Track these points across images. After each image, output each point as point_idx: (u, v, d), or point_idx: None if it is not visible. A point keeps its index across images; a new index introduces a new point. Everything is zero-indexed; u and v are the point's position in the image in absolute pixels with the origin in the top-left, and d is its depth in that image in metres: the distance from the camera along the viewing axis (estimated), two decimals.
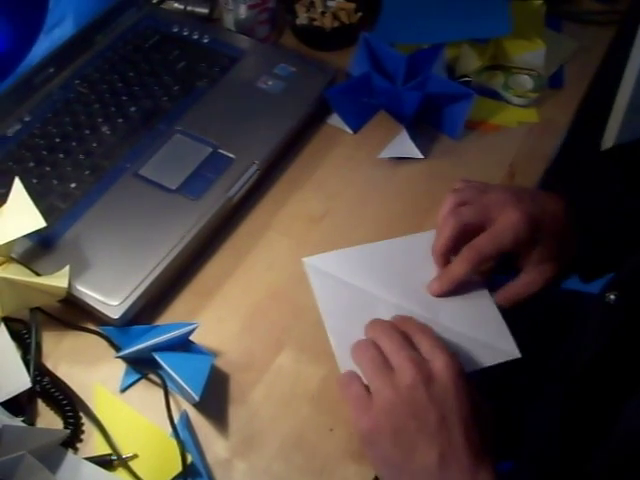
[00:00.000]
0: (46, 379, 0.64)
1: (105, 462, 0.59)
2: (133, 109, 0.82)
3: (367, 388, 0.58)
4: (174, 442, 0.60)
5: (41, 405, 0.64)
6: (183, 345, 0.63)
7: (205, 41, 0.91)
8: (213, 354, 0.65)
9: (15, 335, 0.65)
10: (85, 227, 0.72)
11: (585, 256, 0.69)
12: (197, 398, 0.60)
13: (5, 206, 0.68)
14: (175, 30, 0.92)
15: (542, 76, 0.90)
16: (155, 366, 0.63)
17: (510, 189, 0.69)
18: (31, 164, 0.77)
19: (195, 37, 0.91)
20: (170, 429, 0.60)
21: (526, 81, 0.89)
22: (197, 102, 0.83)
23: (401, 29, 0.92)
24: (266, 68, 0.87)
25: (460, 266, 0.65)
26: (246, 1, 0.90)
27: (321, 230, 0.76)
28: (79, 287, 0.67)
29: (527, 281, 0.68)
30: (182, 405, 0.64)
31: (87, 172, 0.76)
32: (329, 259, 0.70)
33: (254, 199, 0.79)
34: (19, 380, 0.62)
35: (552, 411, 0.66)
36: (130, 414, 0.63)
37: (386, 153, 0.83)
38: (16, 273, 0.65)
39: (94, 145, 0.79)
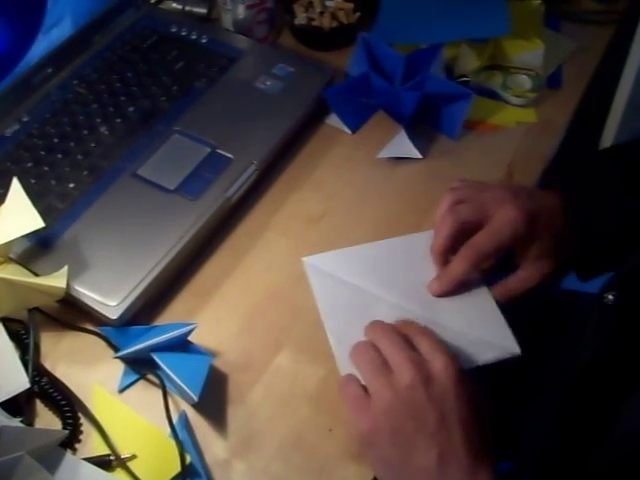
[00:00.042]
0: (44, 379, 0.64)
1: (104, 462, 0.59)
2: (131, 109, 0.82)
3: (366, 389, 0.57)
4: (173, 442, 0.60)
5: (39, 405, 0.64)
6: (181, 345, 0.63)
7: (203, 41, 0.91)
8: (212, 354, 0.64)
9: (13, 335, 0.65)
10: (83, 227, 0.72)
11: (582, 254, 0.69)
12: (196, 398, 0.60)
13: (3, 206, 0.68)
14: (173, 30, 0.92)
15: (540, 76, 0.90)
16: (154, 366, 0.63)
17: (507, 187, 0.69)
18: (29, 164, 0.77)
19: (193, 37, 0.91)
20: (169, 429, 0.60)
21: (524, 81, 0.89)
22: (195, 102, 0.83)
23: (399, 29, 0.92)
24: (264, 68, 0.87)
25: (460, 265, 0.65)
26: (244, 1, 0.90)
27: (320, 230, 0.76)
28: (77, 287, 0.67)
29: (524, 276, 0.68)
30: (181, 405, 0.64)
31: (85, 172, 0.76)
32: (328, 259, 0.70)
33: (252, 199, 0.79)
34: (17, 380, 0.62)
35: (551, 411, 0.66)
36: (129, 414, 0.63)
37: (385, 153, 0.83)
38: (14, 273, 0.65)
39: (92, 145, 0.79)
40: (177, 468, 0.58)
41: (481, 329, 0.65)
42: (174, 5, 0.98)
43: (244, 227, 0.77)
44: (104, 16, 0.90)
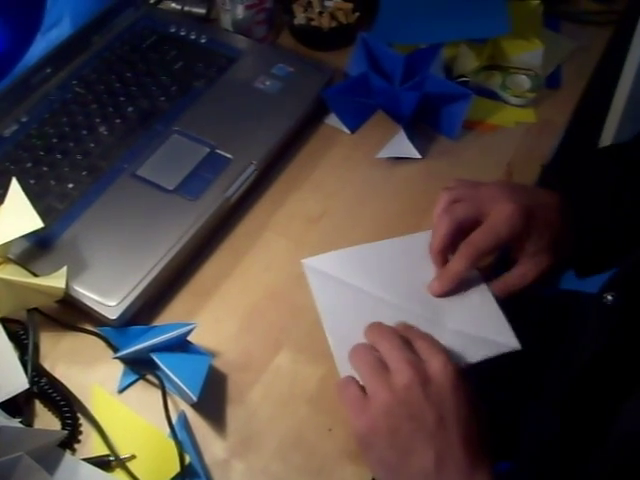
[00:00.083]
0: (44, 380, 0.63)
1: (103, 463, 0.59)
2: (130, 109, 0.82)
3: (365, 390, 0.57)
4: (172, 443, 0.59)
5: (39, 406, 0.64)
6: (181, 345, 0.63)
7: (202, 41, 0.91)
8: (211, 354, 0.64)
9: (13, 336, 0.65)
10: (83, 228, 0.72)
11: (580, 251, 0.69)
12: (195, 398, 0.60)
13: (2, 207, 0.68)
14: (172, 30, 0.92)
15: (540, 76, 0.90)
16: (153, 367, 0.63)
17: (502, 184, 0.70)
18: (28, 165, 0.77)
19: (192, 37, 0.91)
20: (168, 430, 0.60)
21: (524, 81, 0.89)
22: (194, 102, 0.83)
23: (399, 29, 0.92)
24: (264, 68, 0.87)
25: (459, 263, 0.65)
26: (243, 1, 0.90)
27: (319, 230, 0.76)
28: (77, 288, 0.67)
29: (522, 272, 0.68)
30: (180, 405, 0.64)
31: (84, 172, 0.76)
32: (327, 260, 0.70)
33: (252, 199, 0.79)
34: (17, 381, 0.62)
35: (551, 411, 0.66)
36: (128, 415, 0.63)
37: (384, 153, 0.83)
38: (13, 274, 0.65)
39: (91, 145, 0.79)
40: (176, 468, 0.58)
41: (481, 325, 0.65)
42: (173, 5, 0.98)
43: (243, 227, 0.77)
44: (103, 16, 0.90)
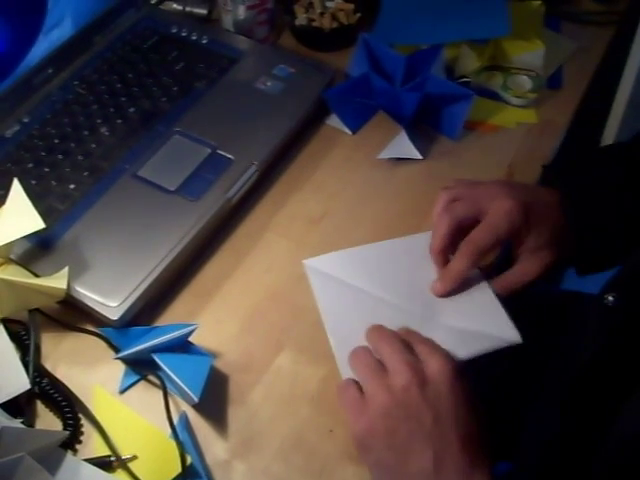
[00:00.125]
0: (45, 380, 0.64)
1: (104, 463, 0.59)
2: (132, 110, 0.82)
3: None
4: (173, 443, 0.60)
5: (40, 406, 0.64)
6: (182, 346, 0.63)
7: (204, 42, 0.91)
8: (212, 355, 0.64)
9: (14, 336, 0.65)
10: (84, 228, 0.72)
11: (580, 248, 0.69)
12: (196, 399, 0.60)
13: (4, 207, 0.68)
14: (174, 31, 0.92)
15: (541, 77, 0.90)
16: (154, 367, 0.63)
17: (501, 181, 0.70)
18: (30, 165, 0.77)
19: (194, 38, 0.91)
20: (169, 430, 0.60)
21: (525, 82, 0.89)
22: (196, 103, 0.83)
23: (400, 30, 0.92)
24: (265, 69, 0.87)
25: (460, 262, 0.65)
26: (245, 2, 0.90)
27: (320, 231, 0.76)
28: (78, 288, 0.67)
29: (523, 269, 0.67)
30: (181, 406, 0.64)
31: (86, 173, 0.76)
32: (329, 260, 0.70)
33: (253, 200, 0.79)
34: (18, 381, 0.62)
35: (551, 412, 0.66)
36: (129, 415, 0.63)
37: (385, 154, 0.83)
38: (15, 274, 0.65)
39: (93, 146, 0.79)
40: (178, 469, 0.58)
41: (481, 320, 0.64)
42: (175, 6, 0.98)
43: (244, 228, 0.77)
44: (105, 17, 0.90)
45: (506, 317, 0.65)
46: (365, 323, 0.63)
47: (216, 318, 0.70)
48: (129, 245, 0.70)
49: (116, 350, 0.66)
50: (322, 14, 0.95)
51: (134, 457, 0.60)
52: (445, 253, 0.67)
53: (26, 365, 0.63)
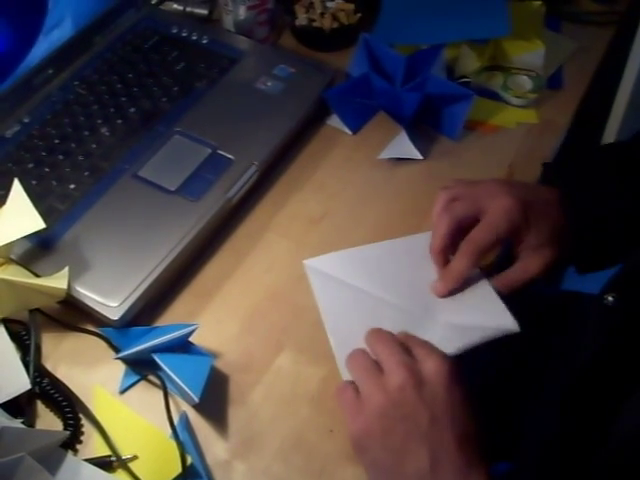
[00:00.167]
0: (45, 380, 0.64)
1: (105, 463, 0.59)
2: (132, 110, 0.82)
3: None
4: (174, 443, 0.60)
5: (40, 407, 0.64)
6: (182, 346, 0.63)
7: (204, 42, 0.91)
8: (212, 355, 0.65)
9: (14, 336, 0.65)
10: (84, 228, 0.72)
11: (580, 246, 0.69)
12: (197, 399, 0.60)
13: (4, 207, 0.68)
14: (174, 31, 0.92)
15: (541, 77, 0.90)
16: (155, 367, 0.63)
17: (500, 180, 0.70)
18: (30, 165, 0.77)
19: (194, 38, 0.91)
20: (170, 430, 0.60)
21: (525, 82, 0.89)
22: (196, 103, 0.83)
23: (400, 30, 0.92)
24: (265, 69, 0.87)
25: (461, 262, 0.65)
26: (245, 2, 0.90)
27: (320, 231, 0.76)
28: (78, 288, 0.67)
29: (524, 266, 0.67)
30: (182, 406, 0.64)
31: (86, 173, 0.76)
32: (329, 261, 0.70)
33: (253, 200, 0.79)
34: (19, 381, 0.62)
35: (551, 412, 0.66)
36: (130, 415, 0.63)
37: (385, 154, 0.83)
38: (15, 274, 0.65)
39: (93, 146, 0.79)
40: (178, 469, 0.58)
41: (479, 312, 0.64)
42: (175, 6, 0.98)
43: (245, 228, 0.77)
44: (105, 17, 0.90)
45: (503, 306, 0.64)
46: (365, 323, 0.62)
47: (216, 318, 0.70)
48: (129, 245, 0.70)
49: (116, 350, 0.66)
50: (322, 14, 0.95)
51: (134, 457, 0.60)
52: (445, 253, 0.67)
53: (26, 365, 0.63)
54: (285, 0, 0.96)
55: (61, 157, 0.78)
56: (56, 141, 0.79)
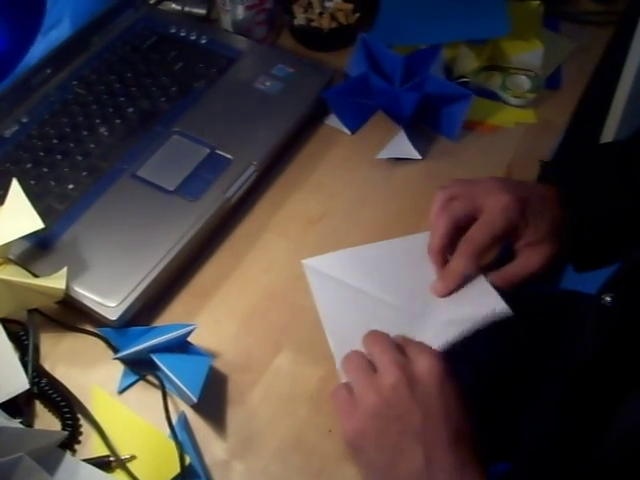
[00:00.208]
0: (44, 380, 0.64)
1: (103, 463, 0.59)
2: (131, 110, 0.82)
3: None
4: (172, 443, 0.60)
5: (39, 407, 0.64)
6: (181, 346, 0.63)
7: (203, 42, 0.91)
8: (211, 355, 0.65)
9: (13, 336, 0.65)
10: (83, 228, 0.72)
11: (578, 244, 0.69)
12: (195, 399, 0.60)
13: (3, 207, 0.68)
14: (173, 31, 0.92)
15: (540, 76, 0.90)
16: (153, 367, 0.63)
17: (496, 178, 0.69)
18: (28, 165, 0.77)
19: (193, 38, 0.91)
20: (168, 430, 0.61)
21: (524, 82, 0.89)
22: (195, 103, 0.83)
23: (399, 30, 0.92)
24: (264, 69, 0.87)
25: (460, 261, 0.65)
26: (244, 2, 0.90)
27: (319, 231, 0.76)
28: (77, 288, 0.67)
29: (523, 261, 0.67)
30: (180, 406, 0.64)
31: (85, 173, 0.76)
32: (328, 261, 0.70)
33: (252, 200, 0.79)
34: (17, 382, 0.62)
35: (549, 412, 0.66)
36: (128, 415, 0.63)
37: (384, 154, 0.83)
38: (14, 274, 0.65)
39: (92, 146, 0.79)
40: (176, 469, 0.58)
41: (471, 302, 0.64)
42: (173, 6, 0.98)
43: (243, 228, 0.77)
44: (103, 17, 0.90)
45: (493, 291, 0.64)
46: (364, 323, 0.63)
47: (215, 318, 0.70)
48: (128, 245, 0.70)
49: (115, 350, 0.66)
50: (321, 14, 0.95)
51: (133, 457, 0.60)
52: (444, 253, 0.67)
53: (25, 365, 0.63)
54: (283, 0, 0.96)
55: (60, 157, 0.78)
56: (55, 141, 0.79)
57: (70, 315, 0.69)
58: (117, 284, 0.67)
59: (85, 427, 0.62)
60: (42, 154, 0.78)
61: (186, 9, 0.98)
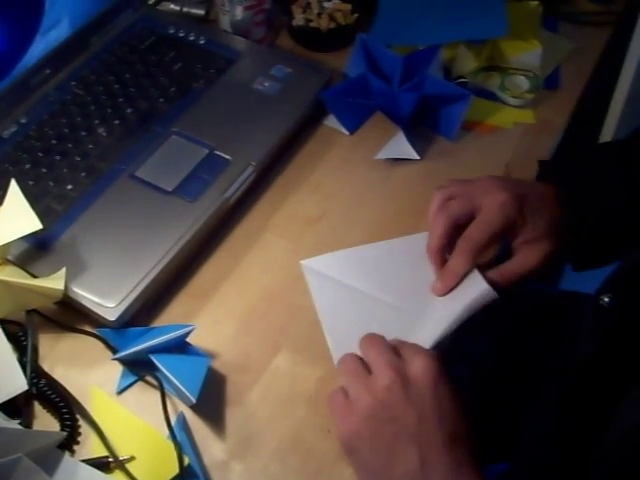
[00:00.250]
0: (43, 381, 0.64)
1: (102, 464, 0.59)
2: (129, 110, 0.82)
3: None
4: (171, 444, 0.60)
5: (38, 407, 0.64)
6: (180, 347, 0.63)
7: (201, 42, 0.91)
8: (210, 356, 0.65)
9: (11, 337, 0.65)
10: (81, 229, 0.72)
11: (576, 243, 0.69)
12: (194, 400, 0.60)
13: (1, 208, 0.68)
14: (171, 31, 0.92)
15: (538, 77, 0.90)
16: (152, 368, 0.63)
17: (494, 177, 0.69)
18: (27, 166, 0.77)
19: (191, 38, 0.91)
20: (167, 431, 0.60)
21: (522, 82, 0.89)
22: (193, 103, 0.83)
23: (397, 30, 0.92)
24: (262, 69, 0.87)
25: (458, 260, 0.65)
26: (242, 2, 0.90)
27: (317, 232, 0.76)
28: (75, 289, 0.67)
29: (522, 258, 0.67)
30: (179, 407, 0.64)
31: (83, 174, 0.76)
32: (326, 261, 0.70)
33: (250, 201, 0.79)
34: (16, 382, 0.62)
35: (549, 411, 0.66)
36: (127, 416, 0.63)
37: (382, 154, 0.83)
38: (12, 275, 0.65)
39: (90, 147, 0.79)
40: (175, 470, 0.58)
41: (461, 292, 0.64)
42: (172, 6, 0.98)
43: (242, 228, 0.77)
44: (102, 17, 0.90)
45: (479, 276, 0.64)
46: (362, 323, 0.63)
47: (213, 319, 0.70)
48: (126, 246, 0.70)
49: (113, 351, 0.66)
50: (319, 14, 0.95)
51: (132, 458, 0.60)
52: (442, 252, 0.67)
53: (23, 366, 0.63)
54: (282, 0, 0.96)
55: (58, 157, 0.78)
56: (53, 141, 0.79)
57: (69, 316, 0.69)
58: (116, 285, 0.67)
59: (84, 428, 0.62)
60: (41, 155, 0.78)
61: (185, 10, 0.98)
